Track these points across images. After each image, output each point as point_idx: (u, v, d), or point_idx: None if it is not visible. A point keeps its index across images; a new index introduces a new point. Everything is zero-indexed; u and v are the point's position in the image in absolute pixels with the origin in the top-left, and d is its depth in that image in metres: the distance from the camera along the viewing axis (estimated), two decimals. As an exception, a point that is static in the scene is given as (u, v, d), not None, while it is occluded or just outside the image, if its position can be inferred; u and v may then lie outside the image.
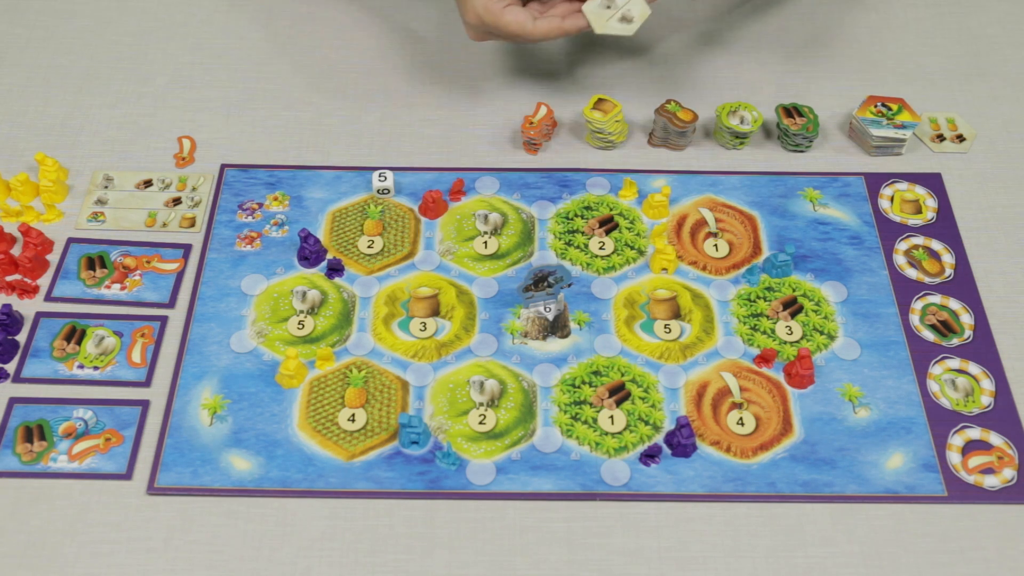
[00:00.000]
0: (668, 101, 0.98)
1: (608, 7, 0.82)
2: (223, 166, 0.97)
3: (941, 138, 0.99)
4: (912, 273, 0.90)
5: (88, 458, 0.78)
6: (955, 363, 0.84)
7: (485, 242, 0.92)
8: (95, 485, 0.77)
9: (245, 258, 0.90)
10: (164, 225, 0.92)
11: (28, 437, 0.79)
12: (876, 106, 0.99)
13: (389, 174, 0.94)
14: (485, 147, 0.99)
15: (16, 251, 0.90)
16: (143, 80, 1.04)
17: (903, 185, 0.96)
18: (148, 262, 0.90)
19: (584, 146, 1.00)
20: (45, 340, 0.84)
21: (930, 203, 0.95)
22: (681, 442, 0.78)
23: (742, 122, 0.98)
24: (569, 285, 0.89)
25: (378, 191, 0.94)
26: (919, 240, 0.92)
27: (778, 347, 0.85)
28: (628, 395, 0.82)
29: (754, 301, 0.88)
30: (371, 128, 1.01)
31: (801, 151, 0.99)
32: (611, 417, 0.81)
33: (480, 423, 0.81)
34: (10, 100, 1.03)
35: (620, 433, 0.80)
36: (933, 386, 0.83)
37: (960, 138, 0.99)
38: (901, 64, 1.07)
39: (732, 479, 0.78)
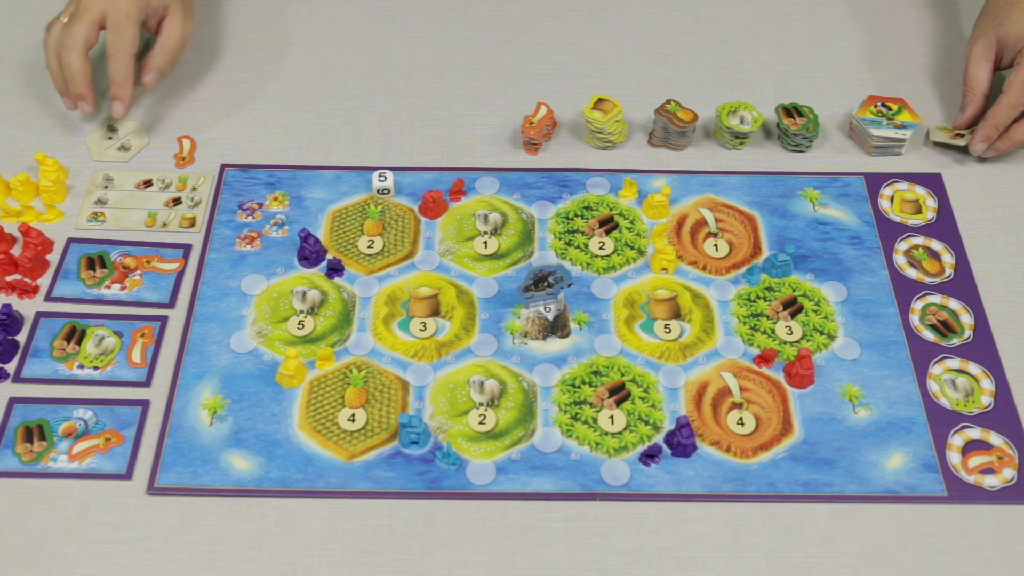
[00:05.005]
0: (668, 101, 0.98)
1: (109, 137, 0.91)
2: (223, 166, 0.97)
3: (960, 135, 0.98)
4: (912, 273, 0.90)
5: (88, 458, 0.78)
6: (955, 363, 0.84)
7: (485, 242, 0.92)
8: (95, 485, 0.77)
9: (245, 258, 0.90)
10: (164, 225, 0.92)
11: (28, 437, 0.79)
12: (876, 106, 0.99)
13: (389, 174, 0.94)
14: (485, 147, 0.99)
15: (16, 251, 0.90)
16: (143, 80, 1.04)
17: (903, 185, 0.96)
18: (148, 262, 0.90)
19: (584, 146, 1.00)
20: (45, 340, 0.84)
21: (930, 203, 0.95)
22: (681, 442, 0.78)
23: (742, 122, 0.98)
24: (569, 285, 0.89)
25: (378, 191, 0.94)
26: (919, 240, 0.92)
27: (778, 347, 0.85)
28: (628, 395, 0.82)
29: (754, 301, 0.88)
30: (371, 128, 1.01)
31: (801, 151, 0.99)
32: (611, 417, 0.81)
33: (480, 423, 0.81)
34: (10, 100, 1.03)
35: (620, 433, 0.80)
36: (933, 386, 0.83)
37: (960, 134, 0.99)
38: (901, 64, 1.07)
39: (732, 479, 0.78)
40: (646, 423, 0.81)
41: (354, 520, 0.76)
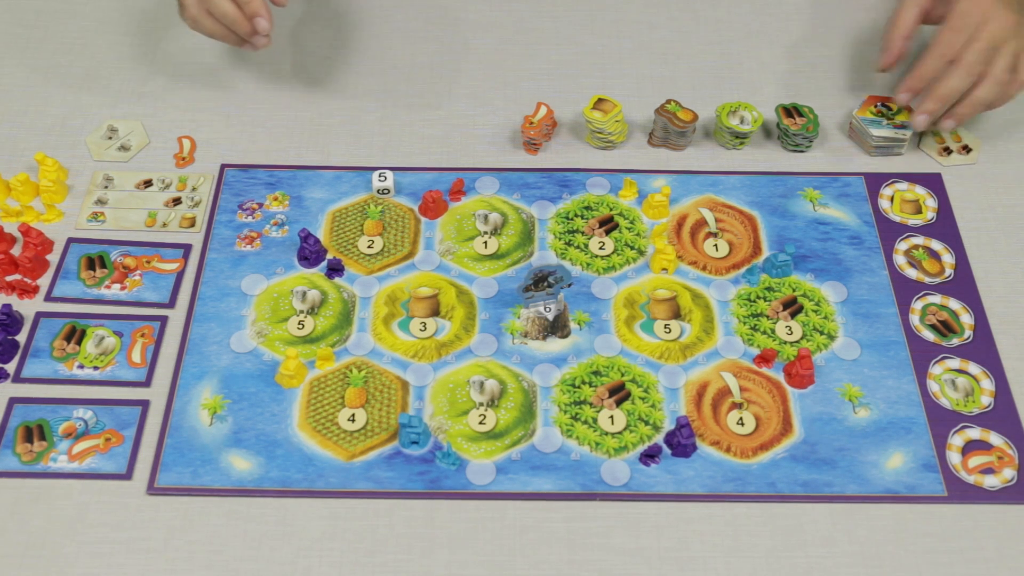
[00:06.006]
0: (668, 101, 0.98)
1: (109, 137, 0.91)
2: (223, 166, 0.97)
3: (948, 151, 0.99)
4: (912, 273, 0.90)
5: (88, 458, 0.78)
6: (955, 363, 0.84)
7: (485, 242, 0.92)
8: (95, 485, 0.77)
9: (245, 258, 0.90)
10: (164, 225, 0.92)
11: (28, 437, 0.79)
12: (876, 106, 0.99)
13: (389, 174, 0.94)
14: (485, 147, 0.99)
15: (16, 251, 0.90)
16: (143, 80, 1.04)
17: (903, 185, 0.96)
18: (148, 262, 0.90)
19: (584, 146, 1.00)
20: (45, 340, 0.84)
21: (930, 203, 0.95)
22: (681, 442, 0.78)
23: (742, 122, 0.98)
24: (569, 285, 0.89)
25: (378, 191, 0.94)
26: (919, 240, 0.92)
27: (778, 347, 0.85)
28: (628, 395, 0.82)
29: (754, 301, 0.88)
30: (371, 128, 1.01)
31: (801, 151, 0.99)
32: (611, 417, 0.81)
33: (480, 423, 0.81)
34: (10, 100, 1.03)
35: (620, 433, 0.80)
36: (933, 386, 0.83)
37: (966, 148, 0.99)
38: (901, 64, 1.07)
39: (732, 479, 0.78)
40: (646, 423, 0.81)
41: (354, 520, 0.76)
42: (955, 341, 0.86)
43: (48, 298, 0.87)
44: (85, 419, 0.80)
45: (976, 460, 0.79)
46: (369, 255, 0.91)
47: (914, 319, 0.87)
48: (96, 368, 0.83)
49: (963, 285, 0.89)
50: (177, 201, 0.94)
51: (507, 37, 1.10)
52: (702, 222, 0.93)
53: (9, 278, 0.88)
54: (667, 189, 0.93)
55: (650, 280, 0.90)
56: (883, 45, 0.97)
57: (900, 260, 0.91)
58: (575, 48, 1.09)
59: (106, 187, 0.95)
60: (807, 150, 0.99)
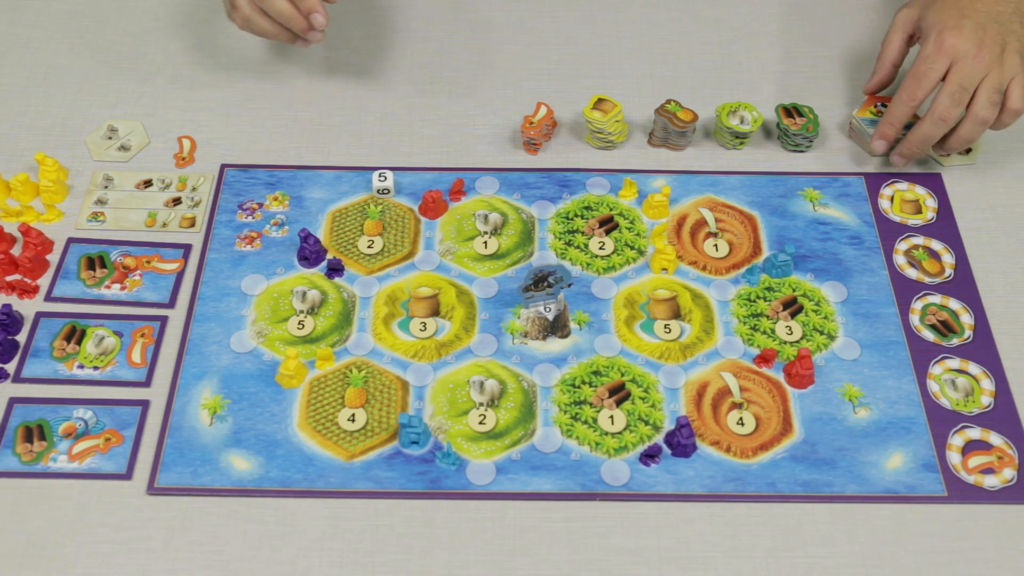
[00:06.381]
0: (668, 101, 0.98)
1: (109, 137, 0.91)
2: (223, 166, 0.97)
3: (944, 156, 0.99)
4: (912, 273, 0.90)
5: (88, 458, 0.78)
6: (955, 363, 0.84)
7: (485, 242, 0.92)
8: (95, 485, 0.77)
9: (245, 258, 0.90)
10: (164, 225, 0.92)
11: (28, 437, 0.79)
12: (876, 106, 0.99)
13: (389, 174, 0.94)
14: (485, 147, 0.99)
15: (16, 251, 0.90)
16: (143, 80, 1.04)
17: (903, 185, 0.96)
18: (148, 262, 0.90)
19: (584, 146, 1.00)
20: (45, 340, 0.84)
21: (930, 203, 0.95)
22: (681, 442, 0.78)
23: (742, 122, 0.98)
24: (569, 285, 0.89)
25: (378, 191, 0.94)
26: (919, 240, 0.92)
27: (778, 347, 0.85)
28: (628, 395, 0.82)
29: (754, 301, 0.88)
30: (371, 128, 1.01)
31: (801, 151, 0.99)
32: (611, 417, 0.81)
33: (480, 423, 0.81)
34: (10, 100, 1.03)
35: (620, 433, 0.80)
36: (933, 386, 0.83)
37: (966, 148, 0.99)
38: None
39: (732, 479, 0.78)
40: (646, 423, 0.81)
41: (354, 520, 0.76)
42: (955, 341, 0.86)
43: (48, 298, 0.87)
44: (85, 419, 0.80)
45: (976, 460, 0.79)
46: (369, 255, 0.91)
47: (914, 319, 0.87)
48: (96, 368, 0.83)
49: (963, 285, 0.89)
50: (177, 201, 0.94)
51: (507, 37, 1.10)
52: (702, 222, 0.93)
53: (9, 278, 0.88)
54: (667, 189, 0.93)
55: (650, 280, 0.90)
56: (874, 69, 0.98)
57: (900, 260, 0.91)
58: (575, 48, 1.09)
59: (106, 187, 0.95)
60: (807, 150, 0.99)
